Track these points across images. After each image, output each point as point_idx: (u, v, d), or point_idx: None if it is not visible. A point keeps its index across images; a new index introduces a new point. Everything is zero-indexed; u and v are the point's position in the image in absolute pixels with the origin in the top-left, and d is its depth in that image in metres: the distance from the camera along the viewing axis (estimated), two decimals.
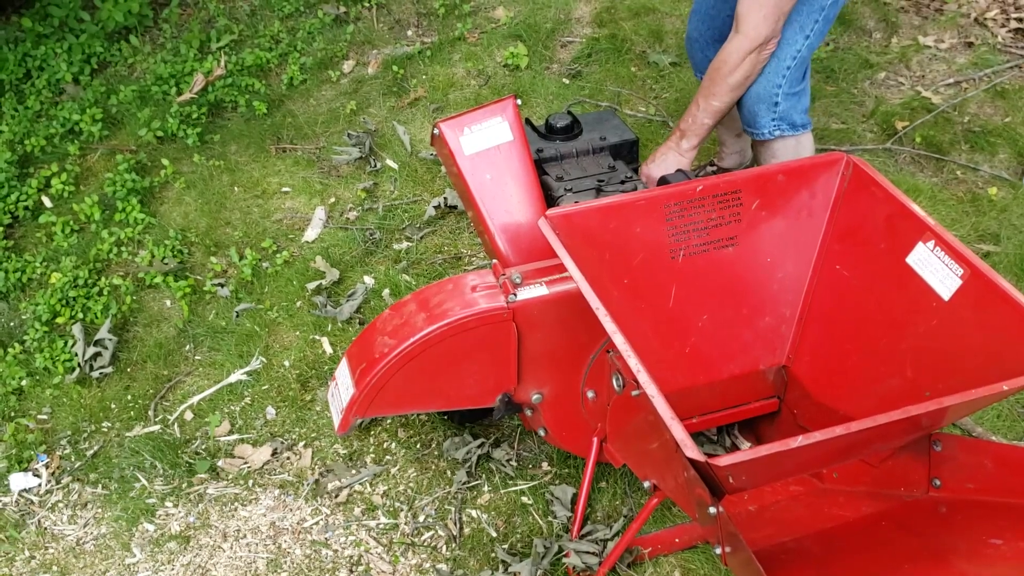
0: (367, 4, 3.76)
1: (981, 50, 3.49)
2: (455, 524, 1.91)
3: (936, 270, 1.50)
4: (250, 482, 2.06)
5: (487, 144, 1.88)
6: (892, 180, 2.87)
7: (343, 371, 1.70)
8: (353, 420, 1.68)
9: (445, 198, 2.74)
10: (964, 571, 1.27)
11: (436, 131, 1.86)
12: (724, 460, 1.13)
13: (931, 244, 1.51)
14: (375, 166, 2.95)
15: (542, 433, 1.84)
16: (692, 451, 1.15)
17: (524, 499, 1.94)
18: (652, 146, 3.00)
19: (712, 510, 1.31)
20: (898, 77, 3.41)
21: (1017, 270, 2.54)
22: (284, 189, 2.91)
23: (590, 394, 1.76)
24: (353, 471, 2.04)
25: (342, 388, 1.69)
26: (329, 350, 2.33)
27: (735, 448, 1.97)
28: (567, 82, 3.36)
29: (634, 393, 1.51)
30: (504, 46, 3.51)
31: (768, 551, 1.46)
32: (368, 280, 2.51)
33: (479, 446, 2.01)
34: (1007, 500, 1.37)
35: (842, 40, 3.55)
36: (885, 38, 3.56)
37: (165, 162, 2.95)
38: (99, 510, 2.04)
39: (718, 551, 1.33)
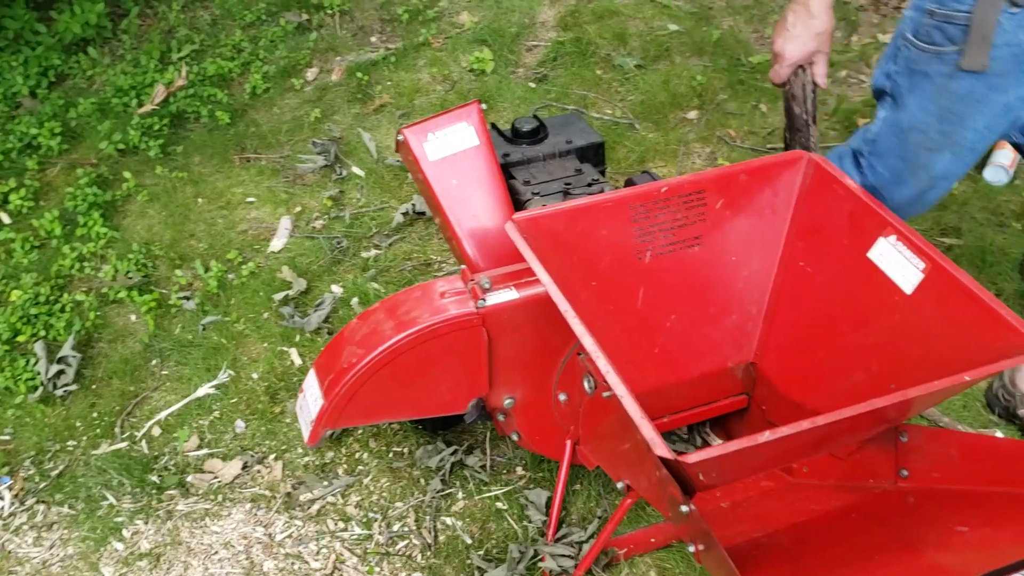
0: (330, 11, 3.75)
1: None
2: (430, 532, 1.90)
3: (898, 264, 1.52)
4: (220, 497, 2.03)
5: (452, 149, 1.88)
6: None
7: (311, 382, 1.69)
8: (323, 432, 1.67)
9: (413, 204, 2.73)
10: (932, 559, 1.29)
11: (400, 137, 1.86)
12: (693, 457, 1.14)
13: (892, 238, 1.53)
14: (341, 174, 2.94)
15: (515, 438, 1.83)
16: (662, 449, 1.16)
17: (499, 505, 1.94)
18: (620, 148, 3.02)
19: (684, 508, 1.32)
20: (859, 75, 3.46)
21: (978, 262, 2.58)
22: (249, 199, 2.88)
23: (562, 397, 1.76)
24: (325, 482, 2.02)
25: (311, 400, 1.68)
26: (298, 361, 2.31)
27: (706, 446, 1.98)
28: (533, 86, 3.37)
29: (605, 395, 1.51)
30: (469, 51, 3.51)
31: (741, 547, 1.47)
32: (336, 289, 2.50)
33: (452, 453, 2.00)
34: (972, 488, 1.39)
35: None
36: (845, 36, 3.61)
37: (127, 175, 2.92)
38: (65, 531, 2.00)
39: (692, 549, 1.34)
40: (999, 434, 2.12)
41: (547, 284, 1.40)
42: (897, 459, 1.52)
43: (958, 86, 1.72)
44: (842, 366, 1.59)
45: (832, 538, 1.48)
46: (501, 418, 1.82)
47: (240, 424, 2.19)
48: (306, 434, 1.69)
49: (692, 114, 3.20)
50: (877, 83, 1.88)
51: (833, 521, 1.53)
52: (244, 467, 2.09)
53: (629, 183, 1.99)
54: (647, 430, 1.18)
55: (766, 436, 1.17)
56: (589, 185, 2.01)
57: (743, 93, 3.29)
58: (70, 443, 2.20)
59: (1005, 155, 2.92)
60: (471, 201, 1.88)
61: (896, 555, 1.34)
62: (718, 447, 1.16)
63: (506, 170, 2.02)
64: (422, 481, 2.00)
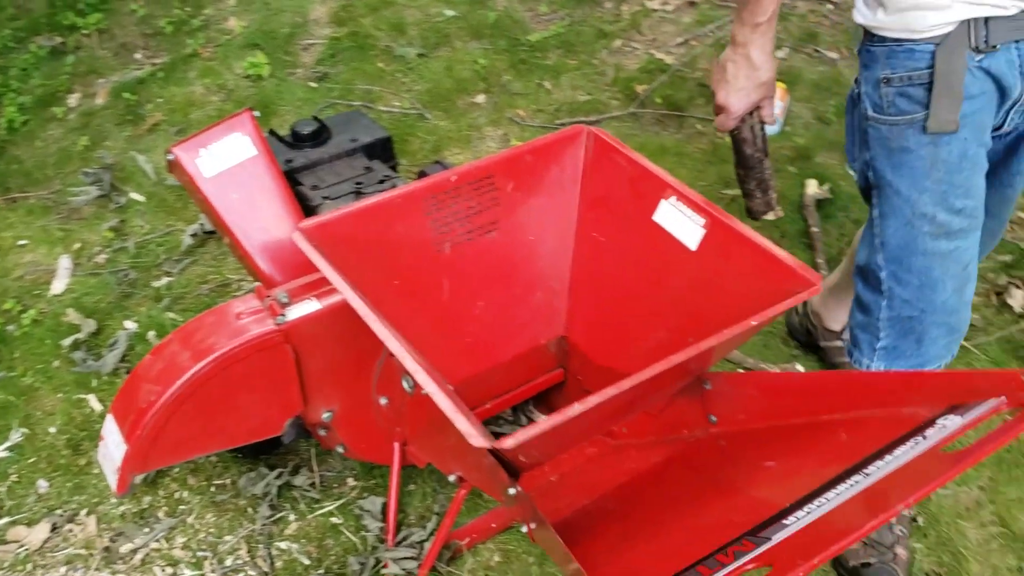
0: (85, 31, 3.50)
1: (703, 8, 3.74)
2: (265, 561, 1.83)
3: (681, 223, 1.58)
4: (31, 566, 1.87)
5: (229, 163, 1.80)
6: (640, 142, 3.03)
7: (110, 428, 1.58)
8: (132, 478, 1.56)
9: (201, 224, 2.60)
10: (747, 496, 1.35)
11: (171, 156, 1.76)
12: (509, 442, 1.14)
13: (672, 199, 1.59)
14: (119, 202, 2.75)
15: (340, 450, 1.79)
16: (478, 440, 1.15)
17: (334, 519, 1.89)
18: (413, 139, 3.00)
19: (512, 491, 1.32)
20: (632, 43, 3.59)
21: None
22: (20, 242, 2.65)
23: (383, 401, 1.73)
24: (146, 529, 1.90)
25: (112, 446, 1.57)
26: (98, 407, 2.16)
27: (532, 424, 2.00)
28: (315, 86, 3.29)
29: (424, 392, 1.49)
30: (242, 57, 3.38)
31: (571, 518, 1.50)
32: (130, 325, 2.34)
33: (277, 476, 1.93)
34: (774, 423, 1.48)
35: (576, 14, 3.69)
36: (615, 7, 3.74)
37: None
38: None
39: (524, 529, 1.35)
40: (799, 367, 2.27)
41: (344, 290, 1.36)
42: (705, 407, 1.59)
43: (948, 153, 1.50)
44: (644, 327, 1.65)
45: (656, 492, 1.54)
46: (323, 433, 1.76)
47: (43, 484, 2.02)
48: (113, 483, 1.57)
49: (480, 98, 3.22)
50: (859, 181, 1.68)
51: (655, 475, 1.59)
52: (53, 528, 1.93)
53: (422, 175, 1.97)
54: (462, 423, 1.18)
55: (576, 408, 1.18)
56: (381, 182, 1.98)
57: (526, 72, 3.34)
58: None
59: (776, 104, 3.11)
60: (257, 214, 1.80)
61: (714, 497, 1.40)
62: (532, 427, 1.17)
63: (291, 177, 1.96)
64: (250, 510, 1.91)
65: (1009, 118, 1.55)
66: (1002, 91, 1.49)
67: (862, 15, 1.54)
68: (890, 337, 1.67)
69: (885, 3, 1.47)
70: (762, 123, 1.70)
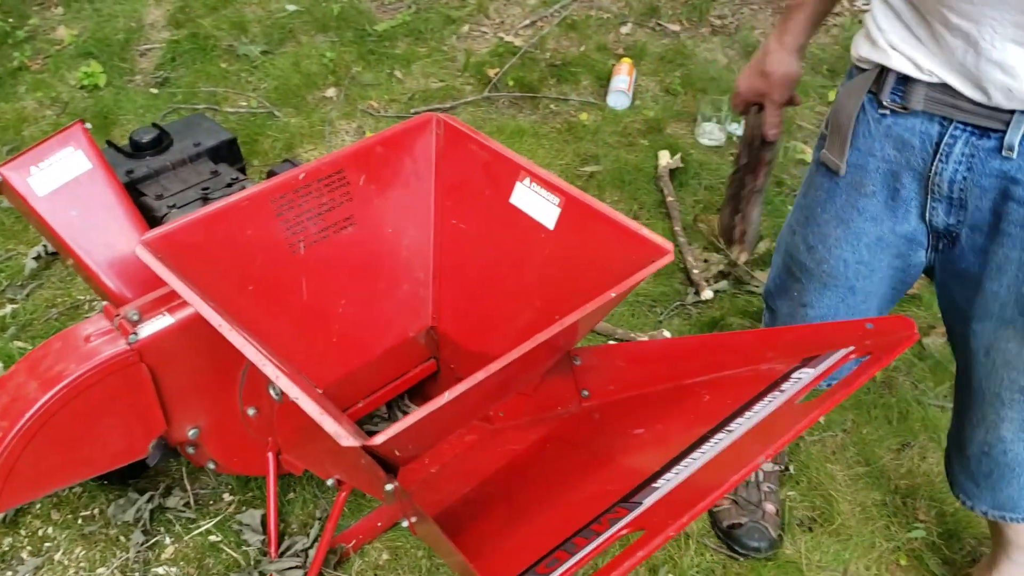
0: None
1: None
2: None
3: (537, 204, 1.60)
4: None
5: (63, 179, 1.70)
6: (497, 125, 3.04)
7: None
8: None
9: (45, 246, 2.46)
10: (620, 465, 1.38)
11: None
12: (379, 438, 1.13)
13: (527, 181, 1.60)
14: None
15: (212, 466, 1.73)
16: (348, 440, 1.13)
17: (212, 538, 1.83)
18: (264, 139, 2.92)
19: (388, 487, 1.31)
20: (480, 27, 3.60)
21: (618, 182, 2.81)
22: None
23: (251, 411, 1.68)
24: (9, 573, 1.79)
25: None
26: None
27: None
28: (156, 92, 3.15)
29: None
30: (75, 67, 3.21)
31: (454, 507, 1.50)
32: None
33: (148, 500, 1.85)
34: (642, 391, 1.52)
35: (422, 1, 3.66)
36: None
37: None
38: None
39: (405, 524, 1.34)
40: (666, 334, 2.34)
41: (194, 302, 1.31)
42: (576, 382, 1.62)
43: (822, 185, 1.45)
44: (510, 309, 1.65)
45: (536, 471, 1.55)
46: (191, 451, 1.70)
47: None
48: None
49: (330, 92, 3.16)
50: None
51: (534, 455, 1.60)
52: None
53: (271, 175, 1.91)
54: (330, 425, 1.15)
55: (445, 398, 1.18)
56: (229, 185, 1.92)
57: (376, 63, 3.30)
58: None
59: (622, 80, 3.18)
60: (99, 230, 1.72)
61: (591, 469, 1.43)
62: (402, 421, 1.16)
63: (133, 188, 1.88)
64: (122, 539, 1.83)
65: (931, 210, 1.32)
66: (911, 166, 1.31)
67: None
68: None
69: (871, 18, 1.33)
70: (763, 139, 1.59)
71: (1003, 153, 1.19)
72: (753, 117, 1.61)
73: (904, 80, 1.25)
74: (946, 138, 1.24)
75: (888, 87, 1.28)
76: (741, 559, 1.82)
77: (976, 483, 1.48)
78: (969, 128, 1.21)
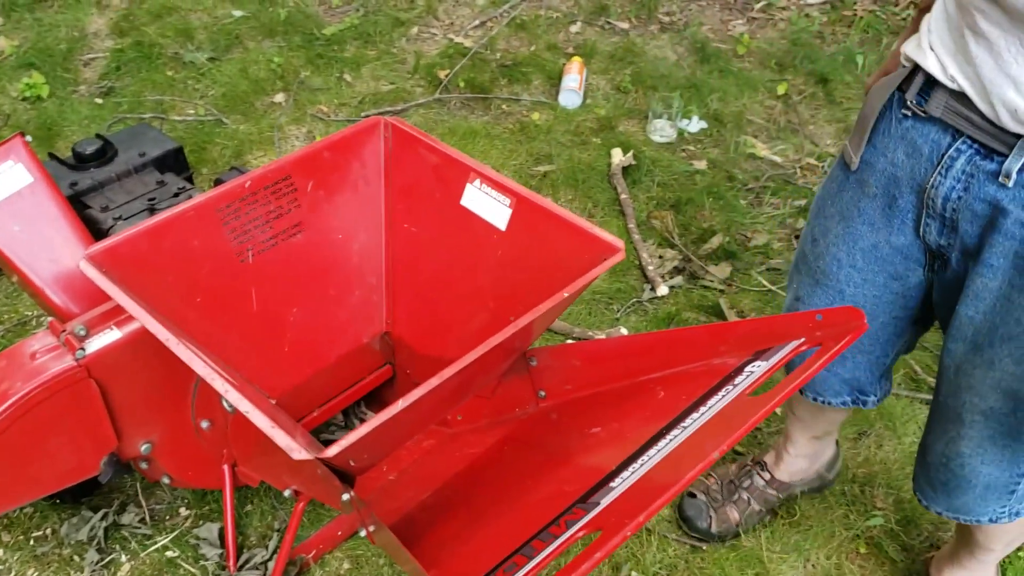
0: None
1: None
2: None
3: (488, 205, 1.59)
4: None
5: (4, 194, 1.67)
6: (449, 127, 3.03)
7: None
8: None
9: None
10: (578, 464, 1.38)
11: None
12: (332, 450, 1.11)
13: (477, 182, 1.60)
14: None
15: (167, 481, 1.70)
16: (300, 453, 1.12)
17: (169, 553, 1.80)
18: (212, 146, 2.88)
19: (345, 497, 1.30)
20: (430, 29, 3.58)
21: (572, 181, 2.81)
22: None
23: (204, 424, 1.66)
24: None
25: None
26: None
27: None
28: (100, 102, 3.09)
29: None
30: (16, 78, 3.13)
31: (413, 513, 1.49)
32: None
33: (102, 518, 1.81)
34: (598, 390, 1.52)
35: (370, 3, 3.64)
36: None
37: None
38: None
39: (363, 533, 1.32)
40: (623, 331, 2.34)
41: (140, 316, 1.28)
42: (533, 383, 1.61)
43: (835, 177, 1.44)
44: (464, 312, 1.65)
45: (495, 473, 1.55)
46: (145, 466, 1.67)
47: None
48: None
49: (279, 97, 3.13)
50: None
51: (493, 457, 1.60)
52: None
53: (218, 183, 1.89)
54: (281, 438, 1.13)
55: (399, 405, 1.17)
56: (176, 195, 1.89)
57: (324, 67, 3.27)
58: None
59: (573, 79, 3.19)
60: (43, 244, 1.68)
61: (549, 470, 1.43)
62: (355, 431, 1.14)
63: (77, 201, 1.84)
64: (76, 558, 1.79)
65: (924, 225, 1.31)
66: (913, 175, 1.29)
67: None
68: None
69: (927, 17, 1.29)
70: None
71: (1000, 179, 1.17)
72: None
73: (931, 84, 1.23)
74: (951, 151, 1.22)
75: (916, 87, 1.25)
76: (704, 550, 1.83)
77: (933, 488, 1.49)
78: (975, 146, 1.19)
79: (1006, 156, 1.16)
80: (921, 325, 1.52)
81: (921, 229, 1.32)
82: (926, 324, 1.52)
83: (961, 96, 1.18)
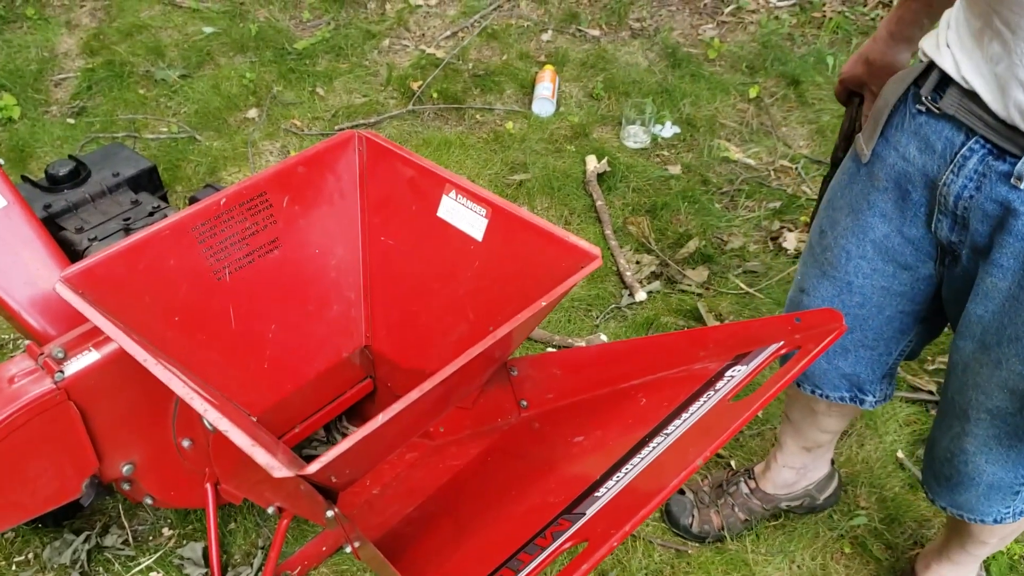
0: None
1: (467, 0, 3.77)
2: None
3: (464, 216, 1.60)
4: None
5: None
6: (424, 138, 3.03)
7: None
8: None
9: None
10: (562, 473, 1.38)
11: None
12: (313, 467, 1.11)
13: (453, 193, 1.60)
14: None
15: (149, 501, 1.69)
16: (280, 471, 1.11)
17: (153, 574, 1.78)
18: (186, 164, 2.86)
19: (329, 513, 1.29)
20: (402, 40, 3.58)
21: (548, 189, 2.82)
22: None
23: (186, 443, 1.65)
24: None
25: None
26: None
27: None
28: (73, 122, 3.07)
29: None
30: None
31: (398, 528, 1.48)
32: None
33: (85, 540, 1.80)
34: (579, 398, 1.52)
35: (341, 17, 3.64)
36: (379, 7, 3.72)
37: None
38: None
39: (348, 549, 1.32)
40: (603, 338, 2.35)
41: (117, 337, 1.28)
42: (515, 393, 1.62)
43: (845, 169, 1.44)
44: (444, 324, 1.65)
45: (479, 485, 1.54)
46: (127, 487, 1.66)
47: None
48: None
49: (252, 112, 3.12)
50: None
51: (477, 468, 1.59)
52: None
53: (193, 201, 1.88)
54: (261, 456, 1.13)
55: (379, 420, 1.17)
56: (151, 214, 1.88)
57: (296, 81, 3.27)
58: None
59: (546, 87, 3.20)
60: (18, 268, 1.67)
61: (533, 480, 1.43)
62: (336, 447, 1.14)
63: (52, 223, 1.83)
64: None
65: (936, 221, 1.31)
66: (925, 171, 1.29)
67: None
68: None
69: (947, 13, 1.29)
70: (857, 125, 1.52)
71: (1011, 181, 1.16)
72: (855, 108, 1.55)
73: (946, 81, 1.22)
74: (964, 150, 1.21)
75: (931, 84, 1.24)
76: (690, 554, 1.84)
77: (938, 482, 1.50)
78: (988, 145, 1.18)
79: (1019, 158, 1.15)
80: (927, 327, 1.51)
81: (933, 224, 1.31)
82: (932, 328, 1.52)
83: (974, 96, 1.17)
